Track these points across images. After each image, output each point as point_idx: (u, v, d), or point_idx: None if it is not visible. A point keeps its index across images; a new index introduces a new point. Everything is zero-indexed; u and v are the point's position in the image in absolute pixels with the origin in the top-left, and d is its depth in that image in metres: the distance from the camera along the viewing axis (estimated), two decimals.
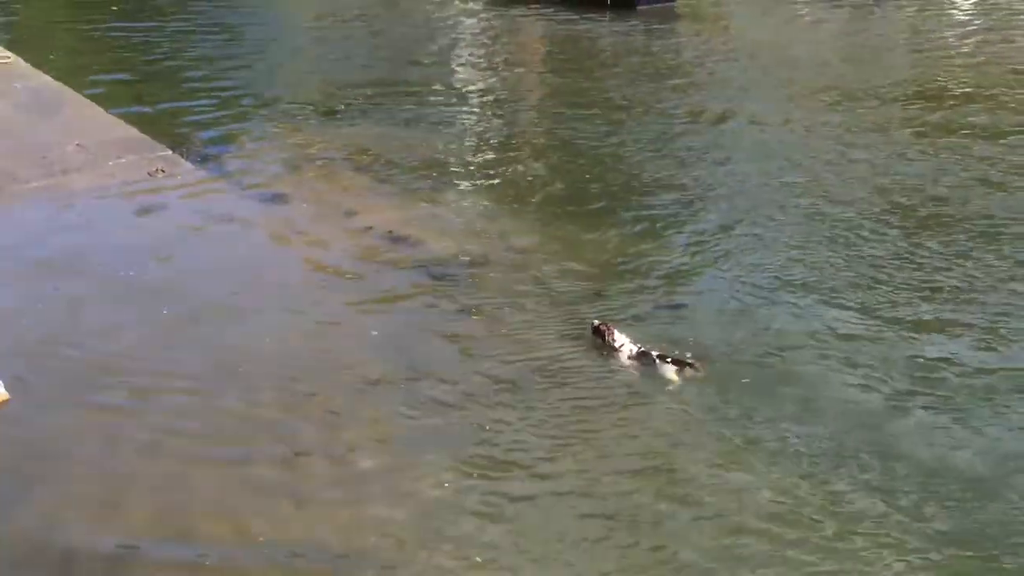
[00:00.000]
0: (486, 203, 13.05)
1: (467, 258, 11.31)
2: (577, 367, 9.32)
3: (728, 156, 14.95)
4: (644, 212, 13.00)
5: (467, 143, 15.36)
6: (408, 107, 16.78)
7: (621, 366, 9.05)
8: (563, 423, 8.43)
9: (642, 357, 9.05)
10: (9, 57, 15.94)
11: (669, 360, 8.93)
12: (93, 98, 14.90)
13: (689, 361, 8.93)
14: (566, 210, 13.06)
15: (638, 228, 12.49)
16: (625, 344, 9.18)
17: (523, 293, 10.65)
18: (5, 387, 6.28)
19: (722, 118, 16.63)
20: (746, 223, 12.50)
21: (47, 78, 15.45)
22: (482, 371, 9.25)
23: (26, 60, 16.07)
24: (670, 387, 8.79)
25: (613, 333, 9.29)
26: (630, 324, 9.88)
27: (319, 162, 14.00)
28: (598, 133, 15.75)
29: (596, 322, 9.50)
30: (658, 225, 12.59)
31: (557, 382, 9.08)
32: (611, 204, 13.21)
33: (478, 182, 13.85)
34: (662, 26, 21.90)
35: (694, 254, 11.72)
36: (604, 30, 21.68)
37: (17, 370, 7.98)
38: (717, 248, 11.88)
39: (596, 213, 12.90)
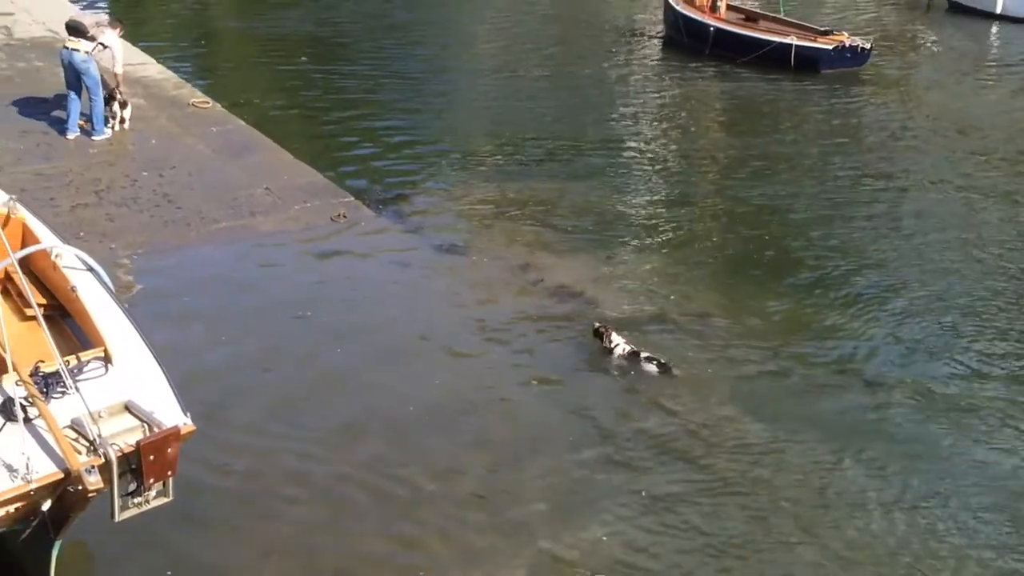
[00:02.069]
0: (660, 261, 12.97)
1: (639, 317, 11.24)
2: (753, 431, 9.24)
3: (904, 220, 14.66)
4: (820, 274, 12.80)
5: (642, 199, 15.28)
6: (584, 161, 16.83)
7: (618, 364, 10.18)
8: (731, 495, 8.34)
9: (632, 356, 10.18)
10: (208, 102, 16.64)
11: (653, 361, 10.12)
12: (282, 142, 15.40)
13: (666, 362, 10.12)
14: (741, 270, 12.93)
15: (813, 290, 12.33)
16: (619, 345, 10.27)
17: (695, 356, 10.56)
18: (191, 419, 6.45)
19: (900, 181, 16.28)
20: (919, 287, 12.38)
21: (240, 122, 16.06)
22: (647, 430, 9.24)
23: (222, 105, 16.73)
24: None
25: (611, 335, 10.36)
26: (813, 392, 9.83)
27: (495, 213, 14.14)
28: (773, 193, 15.53)
29: (597, 324, 10.53)
30: (834, 289, 12.38)
31: (725, 451, 8.98)
32: (785, 265, 13.05)
33: (652, 239, 13.77)
34: (845, 89, 21.42)
35: (872, 321, 11.53)
36: (785, 91, 21.34)
37: (202, 401, 8.22)
38: (896, 315, 11.68)
39: (771, 274, 12.77)
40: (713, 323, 11.27)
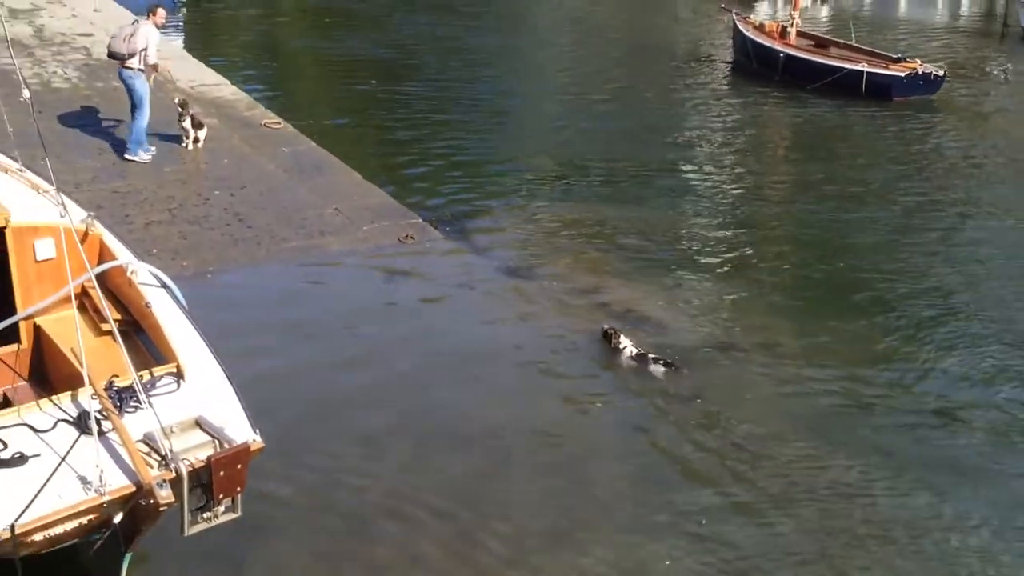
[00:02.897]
0: (726, 287, 12.90)
1: (704, 343, 11.18)
2: (822, 456, 9.14)
3: (973, 249, 14.47)
4: (887, 300, 12.67)
5: (708, 222, 15.22)
6: (650, 184, 16.82)
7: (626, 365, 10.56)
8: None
9: (640, 358, 10.54)
10: (280, 123, 16.88)
11: (660, 362, 10.49)
12: (352, 163, 15.56)
13: (673, 362, 10.49)
14: (807, 295, 12.86)
15: (880, 316, 12.19)
16: (628, 347, 10.64)
17: (763, 381, 10.47)
18: (261, 436, 6.50)
19: (970, 209, 16.11)
20: (985, 315, 12.22)
21: (311, 143, 16.26)
22: (713, 448, 9.18)
23: (293, 125, 16.95)
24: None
25: (619, 336, 10.72)
26: (879, 418, 9.70)
27: (560, 236, 14.16)
28: (842, 219, 15.39)
29: (605, 326, 10.91)
30: (901, 315, 12.24)
31: (795, 482, 8.87)
32: (852, 290, 12.93)
33: (718, 263, 13.70)
34: (917, 116, 21.17)
35: (940, 348, 11.40)
36: (856, 118, 21.15)
37: (270, 418, 8.30)
38: (962, 343, 11.54)
39: (837, 299, 12.66)
40: (779, 349, 11.18)
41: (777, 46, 23.81)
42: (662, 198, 16.15)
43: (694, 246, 14.28)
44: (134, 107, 14.60)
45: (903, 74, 22.19)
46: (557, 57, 27.01)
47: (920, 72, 22.17)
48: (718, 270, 13.49)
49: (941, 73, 22.29)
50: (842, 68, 22.57)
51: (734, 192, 16.88)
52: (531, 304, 11.90)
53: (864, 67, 22.33)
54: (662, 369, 10.48)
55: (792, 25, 24.56)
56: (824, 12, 35.16)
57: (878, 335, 11.70)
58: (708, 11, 33.93)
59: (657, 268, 13.26)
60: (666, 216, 15.26)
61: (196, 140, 15.29)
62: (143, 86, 14.50)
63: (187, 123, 15.13)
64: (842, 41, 24.77)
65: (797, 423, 9.78)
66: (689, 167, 18.01)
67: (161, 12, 14.62)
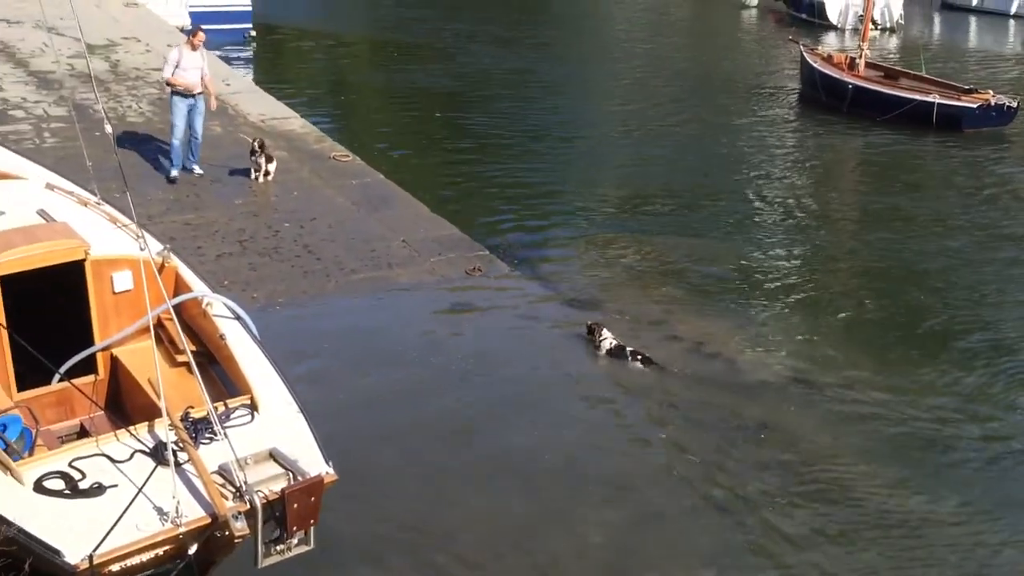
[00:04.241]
0: (796, 318, 12.79)
1: (774, 376, 11.05)
2: (899, 495, 8.98)
3: None
4: (960, 335, 12.46)
5: (778, 255, 15.08)
6: (717, 215, 16.73)
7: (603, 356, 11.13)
8: None
9: (618, 349, 11.12)
10: (348, 156, 17.02)
11: (639, 357, 11.01)
12: (419, 195, 15.64)
13: (650, 358, 11.03)
14: (879, 329, 12.66)
15: (954, 350, 12.01)
16: (607, 339, 11.21)
17: (826, 417, 10.33)
18: (334, 468, 6.51)
19: None
20: None
21: (379, 175, 16.37)
22: (805, 493, 9.04)
23: (361, 158, 17.09)
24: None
25: (601, 331, 11.32)
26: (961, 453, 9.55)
27: (628, 268, 14.13)
28: (912, 252, 15.19)
29: (589, 323, 11.53)
30: (974, 351, 12.01)
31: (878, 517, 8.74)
32: (925, 325, 12.75)
33: (788, 296, 13.57)
34: (990, 148, 20.87)
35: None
36: (927, 150, 20.90)
37: (341, 450, 8.33)
38: None
39: (910, 334, 12.49)
40: (850, 380, 11.04)
41: (846, 77, 23.62)
42: (729, 229, 16.05)
43: (762, 277, 14.15)
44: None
45: (975, 105, 21.90)
46: (622, 88, 27.01)
47: (992, 103, 21.87)
48: (787, 301, 13.35)
49: (1014, 104, 21.95)
50: (912, 99, 22.32)
51: (803, 223, 16.72)
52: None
53: (935, 98, 22.07)
54: (639, 365, 10.98)
55: (861, 56, 24.35)
56: (893, 42, 34.89)
57: (951, 367, 11.50)
58: (775, 42, 33.83)
59: (725, 300, 13.17)
60: (734, 247, 15.16)
61: (267, 173, 15.47)
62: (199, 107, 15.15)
63: (260, 159, 15.34)
64: (912, 72, 24.52)
65: (868, 455, 9.66)
66: (756, 198, 17.88)
67: (200, 35, 15.14)
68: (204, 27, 15.99)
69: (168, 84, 15.02)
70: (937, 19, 40.11)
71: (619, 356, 11.09)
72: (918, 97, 22.34)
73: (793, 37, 28.43)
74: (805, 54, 25.05)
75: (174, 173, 15.35)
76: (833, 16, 36.77)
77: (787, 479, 9.23)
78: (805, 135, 22.49)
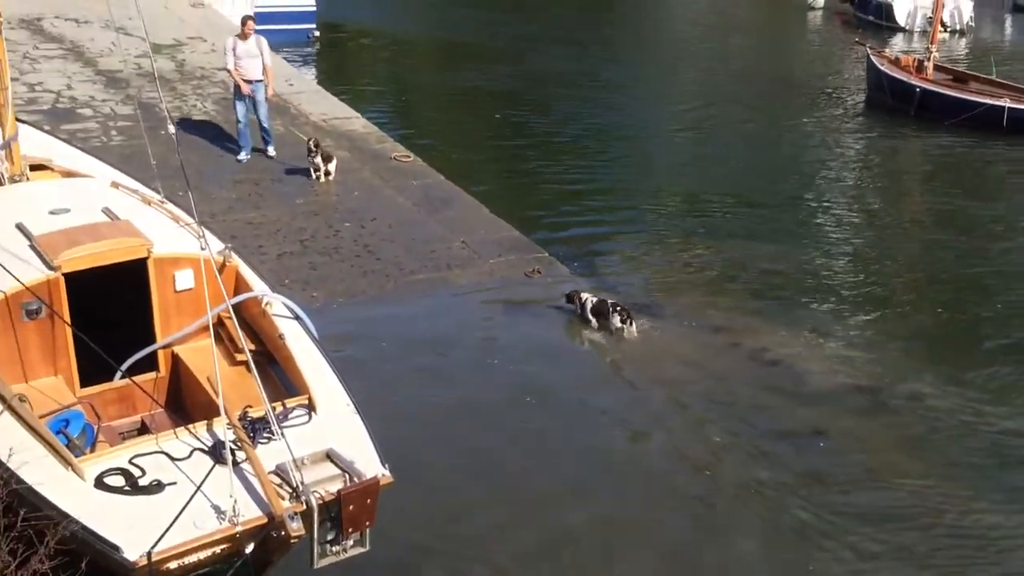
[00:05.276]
0: (863, 326, 12.57)
1: (840, 386, 10.87)
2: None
3: None
4: None
5: (843, 261, 14.87)
6: (780, 220, 16.53)
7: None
8: None
9: (600, 306, 11.70)
10: (409, 156, 17.06)
11: (618, 309, 11.59)
12: (479, 196, 15.63)
13: (631, 315, 11.59)
14: (949, 339, 12.43)
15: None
16: (588, 300, 11.81)
17: (893, 430, 10.13)
18: (389, 469, 6.51)
19: None
20: None
21: (440, 176, 16.38)
22: (870, 503, 8.87)
23: (422, 159, 17.12)
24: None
25: (580, 295, 11.95)
26: None
27: (690, 272, 14.00)
28: (983, 259, 14.91)
29: (568, 292, 12.16)
30: None
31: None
32: (997, 335, 12.46)
33: (855, 303, 13.34)
34: None
35: None
36: (996, 155, 20.46)
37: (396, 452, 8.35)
38: None
39: (981, 344, 12.23)
40: (919, 391, 10.81)
41: (913, 81, 23.23)
42: (793, 234, 15.84)
43: (828, 284, 13.95)
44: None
45: None
46: (685, 89, 26.82)
47: None
48: (854, 309, 13.13)
49: None
50: (982, 103, 21.88)
51: (868, 229, 16.47)
52: (657, 342, 11.72)
53: (1005, 102, 21.61)
54: (617, 320, 11.49)
55: (929, 59, 23.91)
56: (962, 45, 34.26)
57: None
58: (841, 45, 33.39)
59: (790, 306, 13.00)
60: (797, 251, 14.97)
61: (327, 173, 15.55)
62: (259, 94, 15.94)
63: (317, 159, 15.46)
64: (982, 75, 24.04)
65: (939, 468, 9.45)
66: (820, 202, 17.65)
67: (249, 24, 15.91)
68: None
69: (229, 72, 15.97)
70: (1009, 21, 39.28)
71: (603, 314, 11.63)
72: (988, 101, 21.88)
73: (859, 39, 28.02)
74: (872, 56, 24.67)
75: (242, 156, 16.19)
76: (901, 18, 36.16)
77: (850, 491, 9.07)
78: (871, 138, 22.15)
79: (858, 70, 26.89)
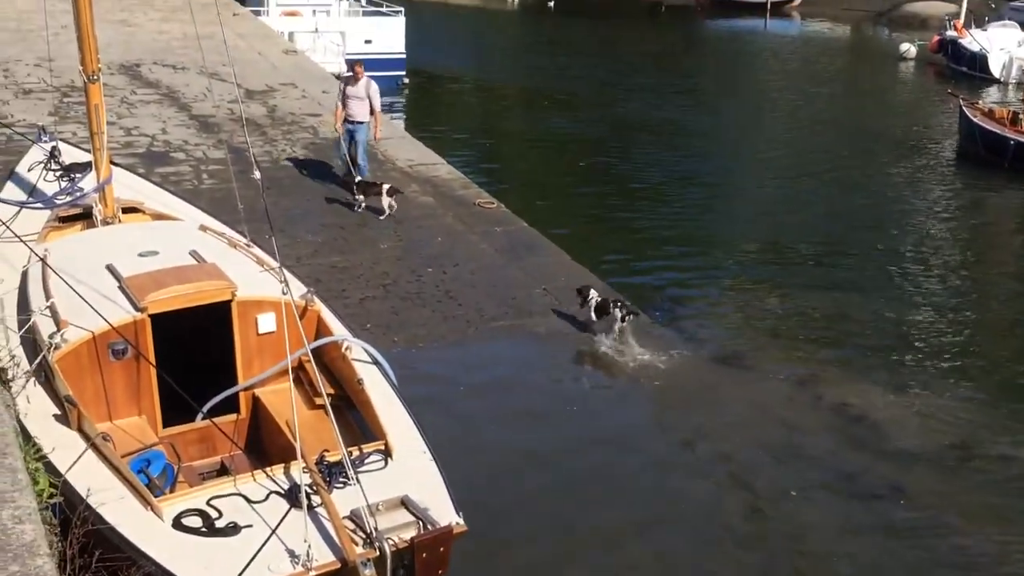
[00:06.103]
0: (954, 385, 12.23)
1: (930, 447, 10.58)
2: None
3: None
4: None
5: (929, 316, 14.55)
6: (867, 272, 16.27)
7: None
8: None
9: (603, 303, 12.26)
10: (493, 203, 17.14)
11: (619, 304, 12.21)
12: (562, 243, 15.63)
13: (633, 310, 12.29)
14: None
15: None
16: (594, 297, 12.33)
17: (983, 495, 9.81)
18: (463, 518, 6.48)
19: None
20: None
21: (523, 223, 16.42)
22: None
23: (506, 205, 17.19)
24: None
25: (588, 291, 12.47)
26: None
27: (773, 323, 13.83)
28: None
29: (579, 288, 12.69)
30: None
31: None
32: None
33: (944, 359, 13.04)
34: None
35: None
36: None
37: (472, 500, 8.32)
38: None
39: None
40: (1012, 456, 10.47)
41: (1008, 133, 22.79)
42: (880, 287, 15.57)
43: (913, 338, 13.66)
44: None
45: None
46: (774, 139, 26.65)
47: None
48: (940, 365, 12.83)
49: None
50: None
51: (957, 282, 16.13)
52: (739, 394, 11.54)
53: None
54: (619, 314, 12.01)
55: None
56: None
57: None
58: (933, 95, 32.94)
59: (877, 361, 12.74)
60: (884, 304, 14.70)
61: (391, 207, 15.83)
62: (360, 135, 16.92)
63: (384, 202, 15.78)
64: None
65: None
66: (909, 254, 17.35)
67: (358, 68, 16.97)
68: None
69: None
70: None
71: (605, 311, 12.18)
72: None
73: (952, 90, 27.62)
74: (964, 108, 24.29)
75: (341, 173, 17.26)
76: (996, 69, 35.56)
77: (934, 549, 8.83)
78: (962, 191, 21.75)
79: (950, 121, 26.49)
